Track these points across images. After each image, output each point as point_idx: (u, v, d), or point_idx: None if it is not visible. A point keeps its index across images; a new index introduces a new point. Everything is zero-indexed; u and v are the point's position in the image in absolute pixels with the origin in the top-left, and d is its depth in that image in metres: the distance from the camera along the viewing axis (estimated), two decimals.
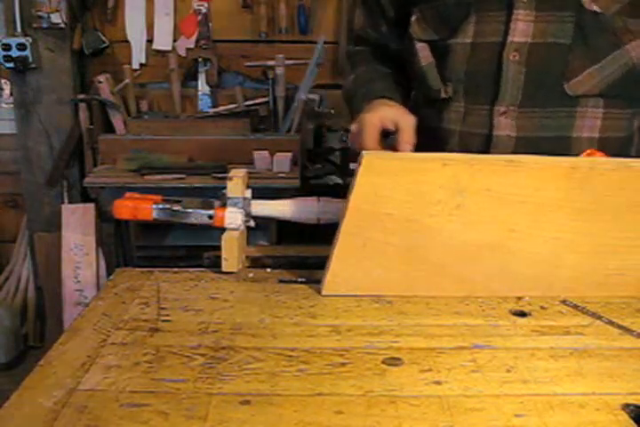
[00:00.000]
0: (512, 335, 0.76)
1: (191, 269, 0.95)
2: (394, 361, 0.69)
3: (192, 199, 0.96)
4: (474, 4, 0.97)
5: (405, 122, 0.92)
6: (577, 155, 0.92)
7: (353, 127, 0.97)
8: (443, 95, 1.03)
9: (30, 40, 2.34)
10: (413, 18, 1.04)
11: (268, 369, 0.67)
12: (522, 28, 0.94)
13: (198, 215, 0.94)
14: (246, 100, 2.52)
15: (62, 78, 2.45)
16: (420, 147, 0.93)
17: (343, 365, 0.68)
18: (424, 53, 1.05)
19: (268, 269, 0.96)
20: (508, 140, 0.99)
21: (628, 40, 0.92)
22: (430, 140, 1.02)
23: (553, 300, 0.86)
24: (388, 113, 0.94)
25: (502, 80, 0.97)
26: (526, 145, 0.98)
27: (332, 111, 2.53)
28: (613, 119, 0.98)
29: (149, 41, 2.54)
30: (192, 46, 2.49)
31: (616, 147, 0.99)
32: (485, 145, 1.00)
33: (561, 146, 0.97)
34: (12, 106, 2.50)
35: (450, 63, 1.01)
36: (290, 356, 0.70)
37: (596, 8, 0.91)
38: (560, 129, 0.98)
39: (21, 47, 2.33)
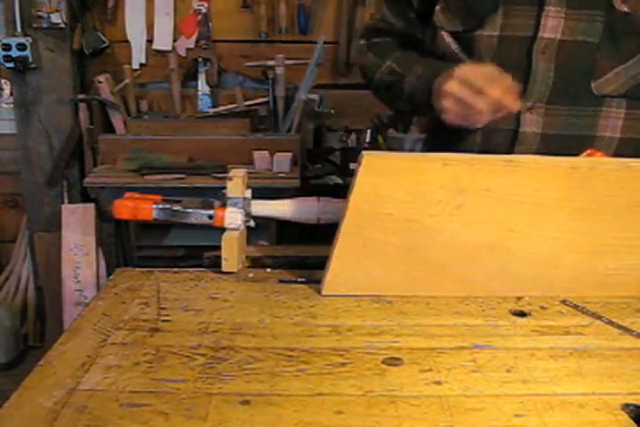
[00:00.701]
0: (512, 335, 0.76)
1: (191, 269, 0.95)
2: (394, 361, 0.69)
3: (192, 199, 0.96)
4: None
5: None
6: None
7: (453, 86, 0.90)
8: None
9: (30, 40, 2.34)
10: (438, 7, 1.03)
11: (268, 369, 0.67)
12: (552, 24, 0.95)
13: (198, 215, 0.94)
14: (246, 100, 2.52)
15: (62, 78, 2.45)
16: (440, 144, 0.92)
17: (343, 365, 0.68)
18: (449, 40, 1.04)
19: (268, 269, 0.96)
20: (534, 137, 0.99)
21: None
22: (451, 136, 1.02)
23: (553, 300, 0.86)
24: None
25: (531, 75, 0.97)
26: (550, 142, 0.99)
27: (332, 111, 2.53)
28: (635, 120, 0.98)
29: (149, 41, 2.54)
30: (192, 46, 2.50)
31: (636, 148, 0.99)
32: (511, 142, 1.00)
33: (584, 145, 0.96)
34: (12, 106, 2.51)
35: (476, 54, 1.01)
36: (290, 356, 0.70)
37: (625, 9, 0.91)
38: (584, 128, 0.98)
39: (21, 47, 2.33)
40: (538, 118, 0.98)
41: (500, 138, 1.01)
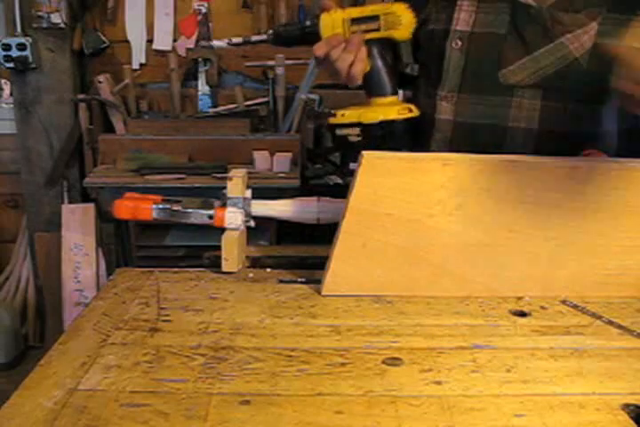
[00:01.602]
0: (512, 335, 0.76)
1: (191, 270, 0.95)
2: (394, 361, 0.69)
3: (192, 199, 0.96)
4: None
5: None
6: (512, 145, 0.96)
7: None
8: (408, 71, 1.10)
9: (30, 40, 2.34)
10: None
11: (268, 369, 0.67)
12: (464, 17, 1.00)
13: (198, 215, 0.94)
14: (246, 100, 2.52)
15: (62, 78, 2.45)
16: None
17: (343, 365, 0.68)
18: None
19: (268, 269, 0.96)
20: (447, 124, 1.04)
21: (560, 33, 0.92)
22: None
23: (553, 300, 0.86)
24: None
25: (444, 67, 1.02)
26: (463, 130, 1.03)
27: (332, 111, 2.52)
28: (552, 112, 0.97)
29: (149, 41, 2.54)
30: (192, 46, 2.49)
31: (558, 140, 0.98)
32: (430, 128, 1.06)
33: (496, 134, 0.99)
34: (11, 106, 2.50)
35: (420, 47, 1.09)
36: (290, 356, 0.70)
37: (530, 1, 0.93)
38: (495, 117, 1.00)
39: (21, 47, 2.33)
40: (451, 107, 1.03)
41: (424, 124, 1.06)
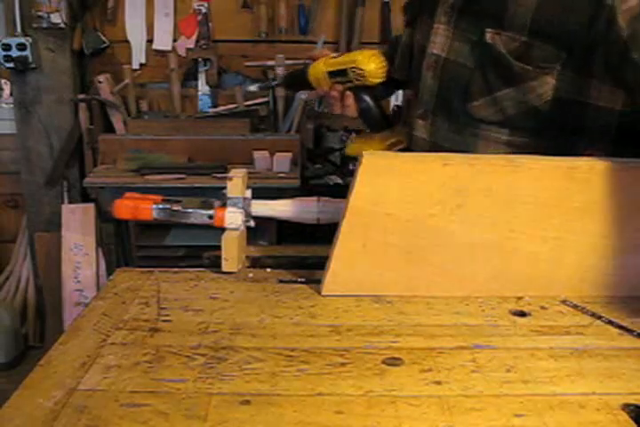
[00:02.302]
0: (512, 335, 0.76)
1: (191, 270, 0.95)
2: (394, 361, 0.69)
3: (192, 199, 0.96)
4: (422, 5, 1.05)
5: None
6: None
7: None
8: (397, 76, 1.12)
9: (30, 40, 2.34)
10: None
11: (268, 369, 0.67)
12: (439, 41, 0.98)
13: (198, 215, 0.94)
14: (246, 100, 2.52)
15: (62, 78, 2.45)
16: None
17: (343, 365, 0.68)
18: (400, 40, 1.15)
19: (268, 269, 0.96)
20: (423, 143, 1.04)
21: (521, 81, 0.89)
22: None
23: (553, 300, 0.86)
24: None
25: (420, 86, 1.03)
26: (437, 151, 0.99)
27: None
28: (516, 147, 0.94)
29: (149, 41, 2.54)
30: (192, 46, 2.49)
31: None
32: (410, 144, 1.08)
33: None
34: (11, 106, 2.51)
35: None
36: (290, 356, 0.70)
37: (497, 43, 0.89)
38: (466, 145, 0.98)
39: (21, 47, 2.33)
40: (426, 125, 1.03)
41: (407, 139, 1.08)
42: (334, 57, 1.13)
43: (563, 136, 0.92)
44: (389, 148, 1.09)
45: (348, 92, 1.10)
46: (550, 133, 0.92)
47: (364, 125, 1.16)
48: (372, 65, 1.07)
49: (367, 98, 1.10)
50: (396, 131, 1.12)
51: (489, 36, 0.89)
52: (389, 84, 1.15)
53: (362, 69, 1.07)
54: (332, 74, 1.10)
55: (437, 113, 1.01)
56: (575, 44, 0.84)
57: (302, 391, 0.63)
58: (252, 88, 1.44)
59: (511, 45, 0.88)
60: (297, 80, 1.22)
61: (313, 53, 1.15)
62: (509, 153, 0.94)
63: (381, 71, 1.07)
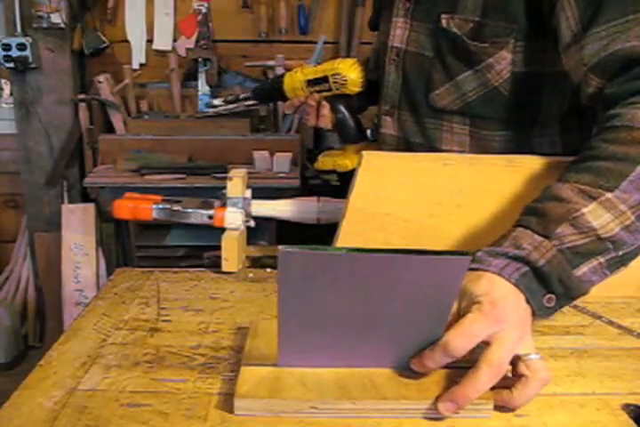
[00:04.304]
0: None
1: (191, 270, 0.95)
2: None
3: (192, 199, 0.96)
4: (381, 4, 1.07)
5: None
6: None
7: None
8: (372, 77, 1.11)
9: (30, 40, 2.34)
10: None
11: None
12: (399, 34, 0.99)
13: (198, 215, 0.94)
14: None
15: (62, 78, 2.45)
16: None
17: None
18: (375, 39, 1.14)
19: (268, 269, 0.96)
20: (392, 139, 1.05)
21: (479, 61, 0.90)
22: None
23: None
24: None
25: (385, 80, 1.03)
26: (404, 147, 1.03)
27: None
28: (481, 139, 0.95)
29: (149, 41, 2.54)
30: (192, 46, 2.50)
31: None
32: (380, 141, 1.08)
33: None
34: (11, 106, 2.51)
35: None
36: None
37: (452, 26, 0.90)
38: (430, 139, 1.00)
39: (21, 47, 2.33)
40: (393, 122, 1.04)
41: (378, 137, 1.09)
42: (312, 66, 1.13)
43: (522, 126, 0.94)
44: None
45: (325, 102, 1.11)
46: (511, 123, 0.93)
47: (339, 137, 1.16)
48: (354, 73, 1.07)
49: (343, 108, 1.11)
50: (372, 144, 1.12)
51: (444, 21, 0.91)
52: (365, 98, 1.15)
53: (344, 77, 1.07)
54: (311, 82, 1.10)
55: (402, 107, 1.02)
56: (523, 16, 0.86)
57: None
58: (216, 102, 1.40)
59: (465, 27, 0.90)
60: (269, 92, 1.20)
61: (289, 63, 1.18)
62: (472, 147, 0.96)
63: (361, 80, 1.08)
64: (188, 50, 2.50)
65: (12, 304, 2.55)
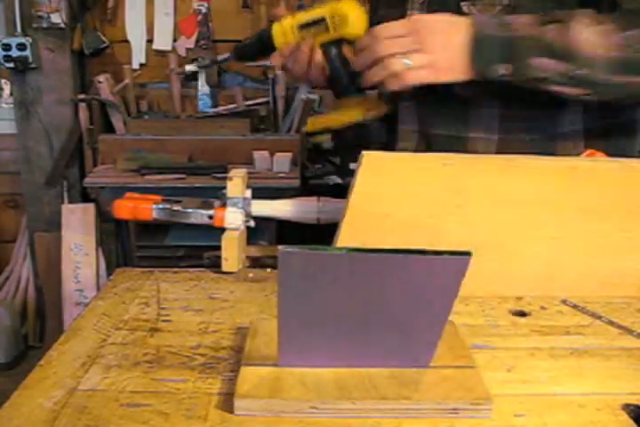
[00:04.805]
0: (512, 335, 0.76)
1: (191, 270, 0.95)
2: None
3: (192, 199, 0.96)
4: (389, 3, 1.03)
5: None
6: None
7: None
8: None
9: (30, 40, 2.35)
10: None
11: None
12: None
13: (198, 215, 0.94)
14: (246, 100, 2.52)
15: (62, 78, 2.45)
16: None
17: None
18: None
19: (268, 270, 0.96)
20: (410, 136, 1.02)
21: None
22: None
23: (553, 300, 0.86)
24: None
25: None
26: (425, 144, 1.01)
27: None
28: (507, 121, 0.95)
29: (149, 41, 2.54)
30: (192, 46, 2.50)
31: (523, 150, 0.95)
32: (399, 138, 1.04)
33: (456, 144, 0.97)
34: (11, 106, 2.51)
35: None
36: None
37: (474, 11, 0.90)
38: (458, 127, 0.97)
39: (21, 47, 2.33)
40: (412, 114, 1.01)
41: (383, 107, 1.02)
42: (304, 11, 1.02)
43: (549, 106, 0.93)
44: (365, 114, 0.98)
45: (317, 49, 0.99)
46: (539, 103, 0.92)
47: (333, 91, 1.04)
48: (354, 12, 0.96)
49: (338, 57, 0.99)
50: (369, 97, 1.02)
51: (465, 8, 0.90)
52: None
53: (345, 15, 0.95)
54: (305, 26, 0.99)
55: (424, 99, 0.98)
56: None
57: None
58: (189, 67, 1.26)
59: (492, 11, 0.88)
60: (254, 45, 1.08)
61: (275, 11, 1.04)
62: (503, 130, 0.95)
63: (362, 23, 0.97)
64: (187, 50, 2.50)
65: (11, 304, 2.56)
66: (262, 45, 1.06)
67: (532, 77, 0.81)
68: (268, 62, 2.49)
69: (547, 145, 0.96)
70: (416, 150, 1.01)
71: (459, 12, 0.91)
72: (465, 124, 0.97)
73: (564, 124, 0.95)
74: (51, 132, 2.49)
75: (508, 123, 0.95)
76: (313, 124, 1.04)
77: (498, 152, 0.96)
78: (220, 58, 1.12)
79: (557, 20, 0.79)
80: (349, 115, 0.98)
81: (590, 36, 0.76)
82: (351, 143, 0.99)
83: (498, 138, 0.96)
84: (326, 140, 1.00)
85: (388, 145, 1.04)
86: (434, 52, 0.80)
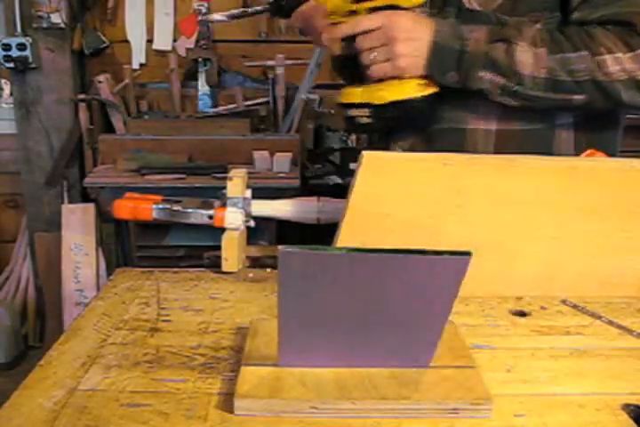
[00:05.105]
0: (512, 335, 0.76)
1: (191, 270, 0.95)
2: None
3: (192, 199, 0.96)
4: None
5: None
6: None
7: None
8: None
9: (30, 40, 2.35)
10: None
11: None
12: None
13: (198, 215, 0.94)
14: (246, 100, 2.52)
15: (62, 78, 2.45)
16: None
17: None
18: None
19: (268, 270, 0.96)
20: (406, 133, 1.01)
21: None
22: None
23: (553, 300, 0.86)
24: None
25: None
26: (425, 139, 1.00)
27: (332, 111, 2.53)
28: (510, 111, 0.94)
29: (149, 41, 2.54)
30: (192, 46, 2.50)
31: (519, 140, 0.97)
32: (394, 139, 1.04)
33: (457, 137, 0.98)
34: (11, 106, 2.51)
35: None
36: None
37: (475, 5, 0.92)
38: (455, 119, 0.97)
39: (21, 47, 2.33)
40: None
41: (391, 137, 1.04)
42: None
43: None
44: (414, 92, 0.90)
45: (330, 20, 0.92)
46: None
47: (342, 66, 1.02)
48: None
49: None
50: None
51: (466, 1, 0.92)
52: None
53: None
54: None
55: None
56: None
57: None
58: (217, 16, 1.06)
59: (492, 4, 0.91)
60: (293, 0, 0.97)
61: None
62: (501, 122, 0.96)
63: None
64: (187, 50, 2.50)
65: (12, 304, 2.56)
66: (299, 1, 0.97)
67: (477, 88, 0.90)
68: (268, 62, 2.50)
69: (545, 135, 0.97)
70: (413, 144, 1.01)
71: (459, 6, 0.93)
72: (464, 115, 0.97)
73: (562, 115, 0.97)
74: (51, 132, 2.49)
75: (507, 114, 0.95)
76: (348, 95, 0.95)
77: (497, 143, 0.97)
78: (251, 10, 1.04)
79: (506, 38, 0.88)
80: (395, 91, 0.90)
81: (528, 58, 0.87)
82: (391, 122, 0.96)
83: (496, 129, 0.96)
84: (362, 115, 0.94)
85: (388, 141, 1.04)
86: (397, 48, 0.87)
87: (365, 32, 0.88)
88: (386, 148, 1.03)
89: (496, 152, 0.95)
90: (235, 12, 1.09)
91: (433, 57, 0.88)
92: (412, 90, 0.90)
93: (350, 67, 0.94)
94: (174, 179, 2.19)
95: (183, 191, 2.12)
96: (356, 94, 0.94)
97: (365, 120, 0.94)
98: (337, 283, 0.57)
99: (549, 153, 0.97)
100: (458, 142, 0.96)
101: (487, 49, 0.88)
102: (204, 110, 2.53)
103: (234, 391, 0.59)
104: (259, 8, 1.05)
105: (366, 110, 0.93)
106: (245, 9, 1.08)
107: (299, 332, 0.60)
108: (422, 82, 0.90)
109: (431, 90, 0.91)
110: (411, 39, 0.87)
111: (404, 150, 1.01)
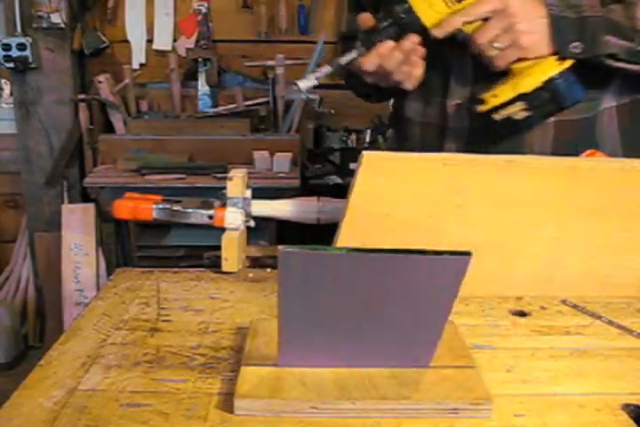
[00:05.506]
0: (512, 335, 0.76)
1: (191, 270, 0.95)
2: None
3: (192, 199, 0.96)
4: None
5: None
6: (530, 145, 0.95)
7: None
8: None
9: (30, 40, 2.35)
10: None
11: None
12: None
13: (198, 215, 0.94)
14: (246, 100, 2.52)
15: (62, 78, 2.45)
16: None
17: None
18: None
19: (268, 270, 0.96)
20: (461, 132, 1.00)
21: None
22: (399, 131, 1.11)
23: (553, 300, 0.86)
24: None
25: (452, 73, 0.98)
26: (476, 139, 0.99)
27: (332, 111, 2.53)
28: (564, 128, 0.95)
29: (149, 41, 2.54)
30: (192, 46, 2.50)
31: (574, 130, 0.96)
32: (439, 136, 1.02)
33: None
34: (11, 106, 2.51)
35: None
36: None
37: None
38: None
39: (21, 47, 2.33)
40: (462, 113, 0.99)
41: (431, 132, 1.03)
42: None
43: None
44: (559, 65, 0.87)
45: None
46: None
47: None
48: None
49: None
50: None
51: None
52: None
53: None
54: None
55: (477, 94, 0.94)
56: None
57: None
58: (307, 83, 1.03)
59: None
60: (392, 34, 0.88)
61: None
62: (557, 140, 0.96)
63: None
64: (187, 50, 2.50)
65: (12, 304, 2.56)
66: (402, 29, 0.88)
67: (602, 53, 0.86)
68: (268, 62, 2.50)
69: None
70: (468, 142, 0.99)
71: None
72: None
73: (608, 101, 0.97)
74: (51, 132, 2.49)
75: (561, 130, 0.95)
76: (496, 97, 0.90)
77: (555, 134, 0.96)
78: (344, 60, 0.96)
79: (619, 0, 0.86)
80: (541, 70, 0.86)
81: None
82: (548, 107, 0.90)
83: (554, 122, 0.95)
84: (517, 110, 0.89)
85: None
86: (518, 28, 0.83)
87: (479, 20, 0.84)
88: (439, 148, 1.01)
89: (554, 144, 0.96)
90: (318, 74, 1.05)
91: (554, 30, 0.84)
92: (552, 66, 0.86)
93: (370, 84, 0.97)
94: (174, 179, 2.19)
95: (183, 191, 2.12)
96: (505, 91, 0.89)
97: (524, 114, 0.89)
98: (337, 283, 0.57)
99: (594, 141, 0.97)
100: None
101: (605, 12, 0.85)
102: (204, 110, 2.53)
103: (234, 391, 0.59)
104: (351, 56, 0.97)
105: (519, 104, 0.88)
106: (338, 61, 1.02)
107: (299, 332, 0.60)
108: (555, 57, 0.86)
109: (568, 63, 0.86)
110: (528, 18, 0.84)
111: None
